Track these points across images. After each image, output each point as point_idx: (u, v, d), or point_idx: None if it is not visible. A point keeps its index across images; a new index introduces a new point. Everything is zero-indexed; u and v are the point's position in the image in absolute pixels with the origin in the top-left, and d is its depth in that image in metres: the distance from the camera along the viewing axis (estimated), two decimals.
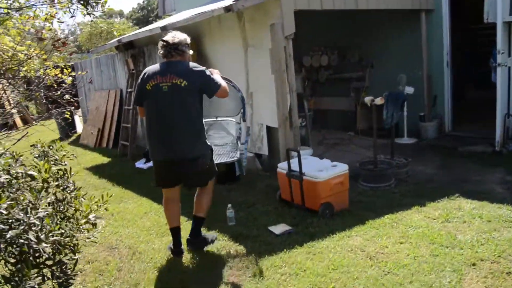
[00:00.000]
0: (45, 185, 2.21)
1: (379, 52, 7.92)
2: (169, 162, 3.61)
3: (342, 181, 4.40)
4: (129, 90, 8.37)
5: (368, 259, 3.37)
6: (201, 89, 3.56)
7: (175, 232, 3.77)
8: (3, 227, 1.89)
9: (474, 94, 9.61)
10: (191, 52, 3.73)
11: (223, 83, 3.67)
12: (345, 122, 8.38)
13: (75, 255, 2.37)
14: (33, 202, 2.05)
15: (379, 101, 5.31)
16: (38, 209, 2.00)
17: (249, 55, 6.00)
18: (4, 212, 1.92)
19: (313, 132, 7.71)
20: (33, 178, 2.22)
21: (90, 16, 3.48)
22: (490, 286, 2.88)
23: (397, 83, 7.12)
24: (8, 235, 1.86)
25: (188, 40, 3.67)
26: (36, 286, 2.01)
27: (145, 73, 3.63)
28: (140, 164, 7.15)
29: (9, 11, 3.40)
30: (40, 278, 2.08)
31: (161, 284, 3.36)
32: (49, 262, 2.18)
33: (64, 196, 2.47)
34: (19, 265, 1.94)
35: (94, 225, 2.55)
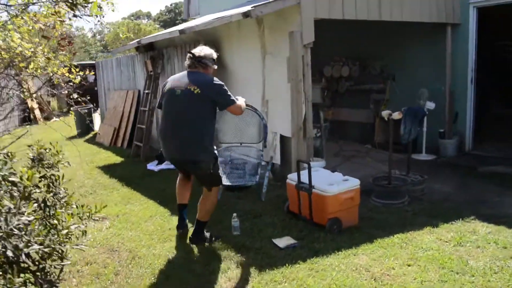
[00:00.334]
0: (26, 193, 2.14)
1: (401, 64, 7.72)
2: (175, 159, 3.99)
3: (353, 197, 4.25)
4: (147, 91, 8.37)
5: (373, 280, 3.22)
6: (214, 100, 3.73)
7: (181, 208, 4.18)
8: None
9: (500, 110, 9.30)
10: (215, 67, 3.94)
11: (239, 102, 3.87)
12: (363, 134, 8.20)
13: (62, 261, 2.29)
14: (12, 210, 1.99)
15: (396, 115, 5.17)
16: (16, 216, 1.93)
17: (266, 63, 5.91)
18: None
19: (330, 143, 7.59)
20: (14, 184, 2.16)
21: (77, 18, 3.50)
22: None
23: (418, 97, 6.93)
24: None
25: (214, 55, 3.92)
26: None
27: (168, 79, 3.95)
28: (152, 166, 7.11)
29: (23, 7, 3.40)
30: (22, 282, 2.02)
31: None
32: (33, 268, 2.11)
33: (54, 203, 2.41)
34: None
35: (84, 232, 2.48)
